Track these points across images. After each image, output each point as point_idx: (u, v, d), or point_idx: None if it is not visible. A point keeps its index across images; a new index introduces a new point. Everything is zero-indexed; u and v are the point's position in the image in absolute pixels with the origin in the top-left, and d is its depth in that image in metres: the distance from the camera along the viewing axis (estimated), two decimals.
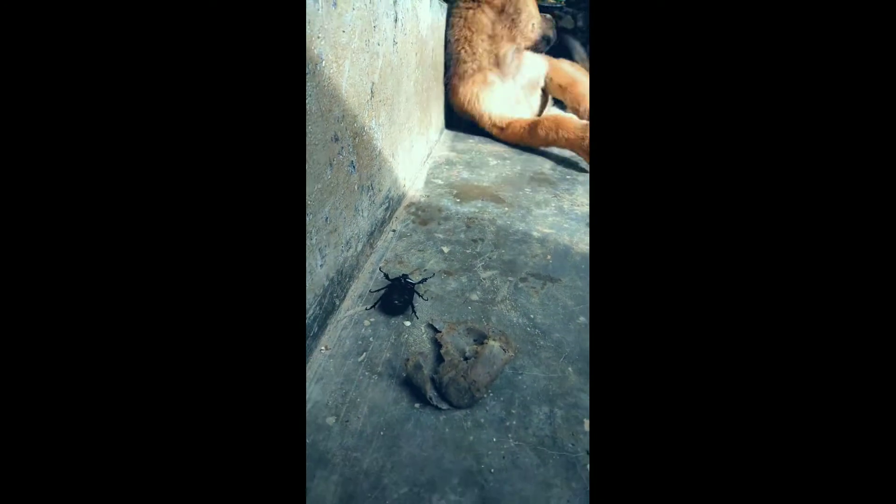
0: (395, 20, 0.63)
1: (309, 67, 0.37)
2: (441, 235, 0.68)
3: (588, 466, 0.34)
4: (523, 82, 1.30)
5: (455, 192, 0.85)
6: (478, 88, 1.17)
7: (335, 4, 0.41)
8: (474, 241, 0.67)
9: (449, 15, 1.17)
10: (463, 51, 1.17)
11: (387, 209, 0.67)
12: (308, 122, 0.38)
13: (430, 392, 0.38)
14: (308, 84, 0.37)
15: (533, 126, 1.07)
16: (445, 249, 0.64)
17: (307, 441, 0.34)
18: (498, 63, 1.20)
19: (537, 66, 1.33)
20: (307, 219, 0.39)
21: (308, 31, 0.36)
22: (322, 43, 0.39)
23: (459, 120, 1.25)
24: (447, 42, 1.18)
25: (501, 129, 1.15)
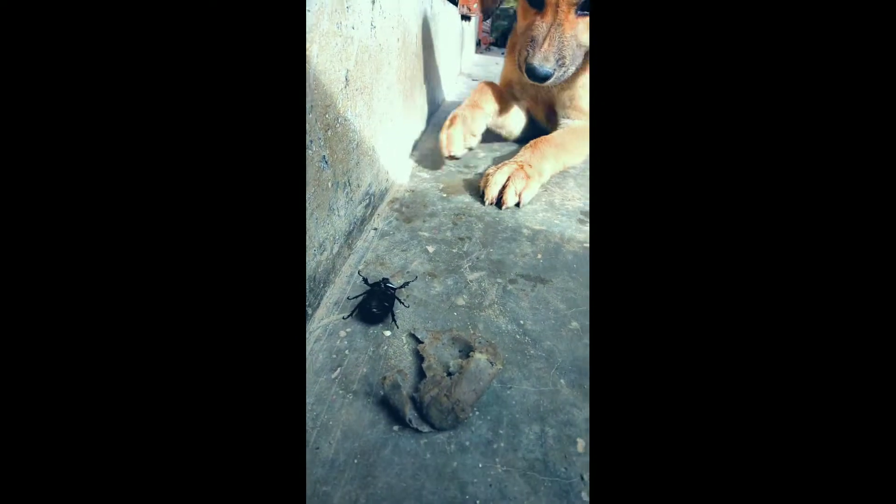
0: (373, 1, 0.58)
1: None
2: (426, 234, 0.64)
3: (583, 494, 0.31)
4: None
5: (441, 186, 0.81)
6: None
7: None
8: (461, 239, 0.63)
9: None
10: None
11: (367, 206, 0.63)
12: None
13: (410, 413, 0.34)
14: None
15: None
16: (430, 249, 0.60)
17: None
18: None
19: None
20: None
21: None
22: None
23: None
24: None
25: None
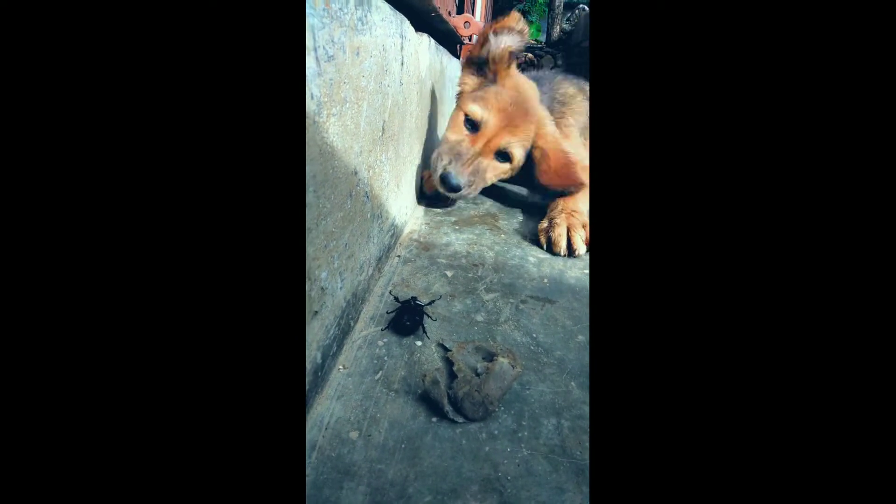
0: (402, 63, 0.69)
1: (336, 109, 0.41)
2: (444, 260, 0.71)
3: None
4: None
5: (453, 219, 0.89)
6: None
7: (358, 54, 0.46)
8: (475, 265, 0.70)
9: None
10: None
11: (392, 236, 0.71)
12: (334, 158, 0.41)
13: (447, 406, 0.40)
14: (336, 123, 0.41)
15: None
16: (449, 273, 0.67)
17: (333, 454, 0.36)
18: None
19: None
20: (331, 244, 0.42)
21: (338, 78, 0.40)
22: (347, 87, 0.43)
23: None
24: None
25: None
